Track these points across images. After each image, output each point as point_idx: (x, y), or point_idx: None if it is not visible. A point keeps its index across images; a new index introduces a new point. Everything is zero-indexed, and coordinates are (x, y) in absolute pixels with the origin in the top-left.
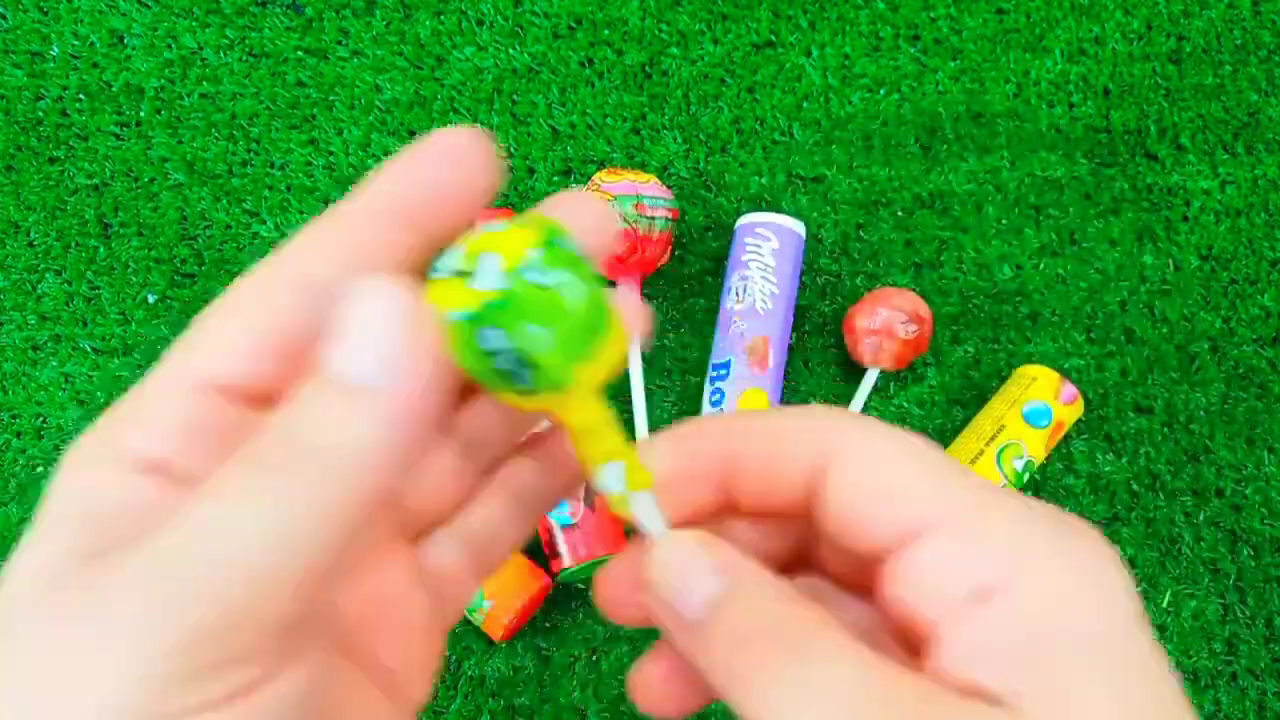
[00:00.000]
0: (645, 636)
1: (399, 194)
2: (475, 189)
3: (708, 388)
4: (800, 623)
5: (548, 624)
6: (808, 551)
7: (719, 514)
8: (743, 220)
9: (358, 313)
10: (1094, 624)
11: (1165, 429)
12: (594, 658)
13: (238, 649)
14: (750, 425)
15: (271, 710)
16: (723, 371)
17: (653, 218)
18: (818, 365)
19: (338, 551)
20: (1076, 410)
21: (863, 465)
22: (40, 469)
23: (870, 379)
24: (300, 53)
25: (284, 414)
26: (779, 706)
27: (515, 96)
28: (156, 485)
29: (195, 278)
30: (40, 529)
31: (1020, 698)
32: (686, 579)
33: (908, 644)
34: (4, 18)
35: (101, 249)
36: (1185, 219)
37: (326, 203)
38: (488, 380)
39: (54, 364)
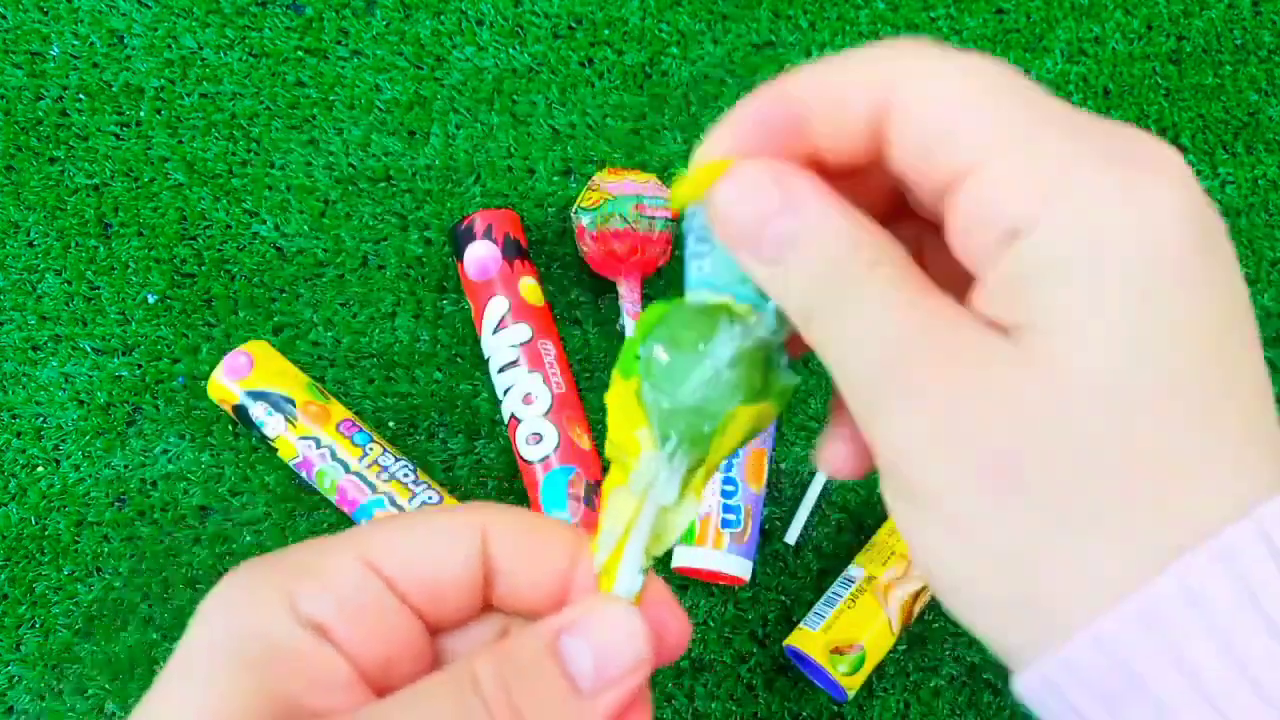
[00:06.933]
0: None
1: None
2: None
3: None
4: (860, 260)
5: None
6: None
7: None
8: None
9: (605, 628)
10: (1129, 247)
11: None
12: None
13: None
14: (811, 82)
15: None
16: None
17: (653, 218)
18: (817, 365)
19: None
20: None
21: (919, 103)
22: (40, 469)
23: None
24: (300, 53)
25: (508, 683)
26: (836, 342)
27: (515, 96)
28: (315, 640)
29: (195, 278)
30: (207, 660)
31: (1021, 330)
32: (762, 217)
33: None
34: (4, 18)
35: (101, 249)
36: None
37: (326, 203)
38: None
39: (54, 364)
